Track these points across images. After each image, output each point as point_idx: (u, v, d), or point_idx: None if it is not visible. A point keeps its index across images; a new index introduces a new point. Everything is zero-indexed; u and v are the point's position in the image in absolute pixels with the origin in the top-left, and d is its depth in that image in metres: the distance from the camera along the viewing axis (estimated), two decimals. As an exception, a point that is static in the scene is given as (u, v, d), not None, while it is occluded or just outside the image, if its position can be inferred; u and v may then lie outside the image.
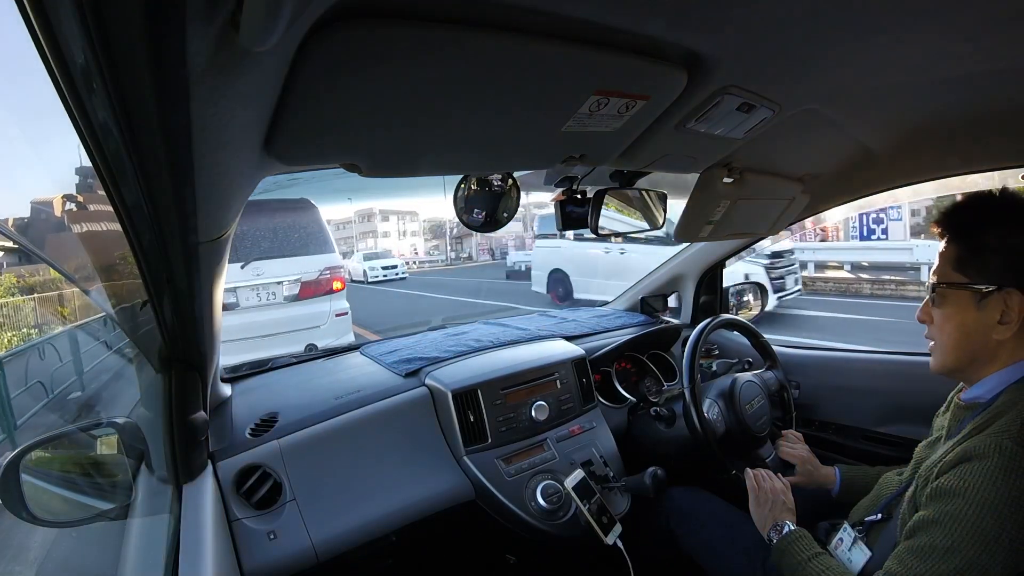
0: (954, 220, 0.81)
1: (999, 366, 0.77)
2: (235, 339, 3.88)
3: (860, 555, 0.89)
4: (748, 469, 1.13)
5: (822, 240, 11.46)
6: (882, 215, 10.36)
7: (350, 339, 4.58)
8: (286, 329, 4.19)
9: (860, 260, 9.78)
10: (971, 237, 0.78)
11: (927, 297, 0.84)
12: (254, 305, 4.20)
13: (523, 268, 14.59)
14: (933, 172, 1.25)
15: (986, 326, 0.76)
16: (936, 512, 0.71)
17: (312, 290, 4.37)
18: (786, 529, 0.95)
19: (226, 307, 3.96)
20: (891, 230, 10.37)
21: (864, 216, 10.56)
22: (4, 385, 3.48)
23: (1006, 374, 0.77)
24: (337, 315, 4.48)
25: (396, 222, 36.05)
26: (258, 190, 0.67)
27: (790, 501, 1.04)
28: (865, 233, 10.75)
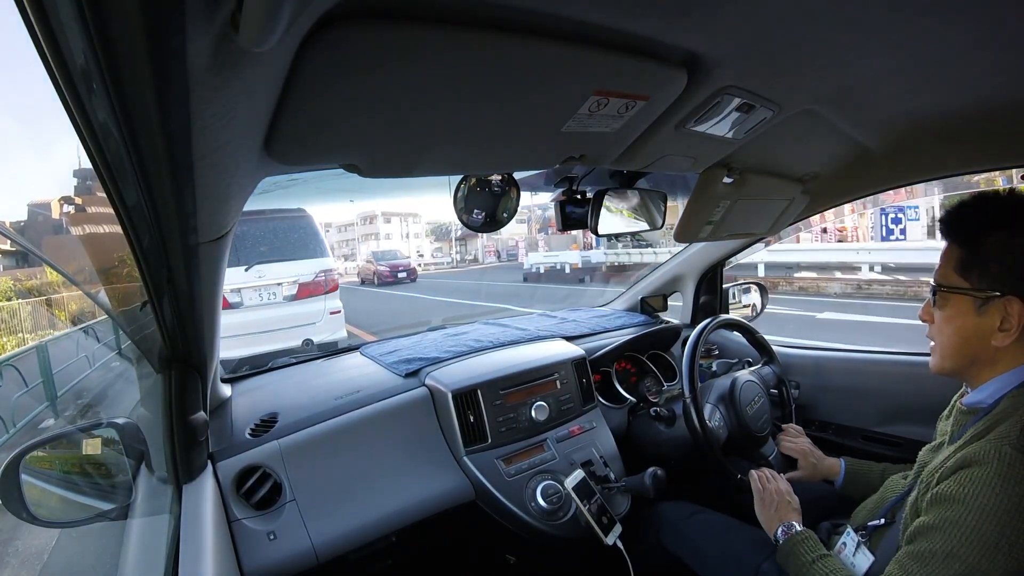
0: (956, 222, 0.79)
1: (1000, 370, 0.76)
2: (240, 335, 4.37)
3: (863, 560, 0.88)
4: (752, 471, 1.13)
5: (839, 240, 11.31)
6: (900, 215, 10.17)
7: (343, 335, 5.10)
8: (285, 326, 4.64)
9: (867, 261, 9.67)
10: (973, 240, 0.76)
11: (929, 297, 0.83)
12: (256, 304, 4.66)
13: (541, 270, 14.28)
14: (932, 172, 1.25)
15: (985, 332, 0.75)
16: (936, 518, 0.71)
17: (309, 290, 4.85)
18: (793, 530, 0.95)
19: (231, 306, 4.52)
20: (909, 230, 10.11)
21: (883, 216, 10.39)
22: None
23: (1007, 378, 0.76)
24: (331, 313, 4.96)
25: (399, 224, 36.04)
26: (258, 190, 0.67)
27: (795, 501, 1.04)
28: (884, 234, 10.48)
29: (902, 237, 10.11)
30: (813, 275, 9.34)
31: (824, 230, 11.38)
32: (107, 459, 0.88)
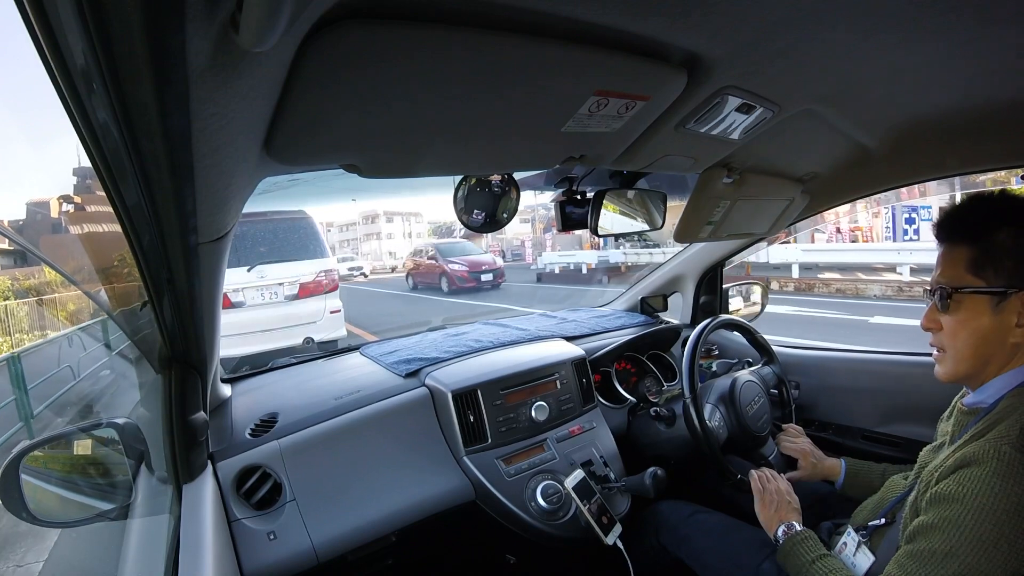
0: (960, 222, 0.78)
1: (1003, 370, 0.77)
2: (243, 333, 4.56)
3: (864, 560, 0.89)
4: (752, 471, 1.13)
5: (853, 241, 11.12)
6: (914, 215, 10.01)
7: (343, 333, 5.28)
8: (287, 324, 4.81)
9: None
10: (982, 238, 0.75)
11: (932, 303, 0.81)
12: (259, 303, 4.83)
13: (556, 271, 13.58)
14: (932, 172, 1.25)
15: (1003, 330, 0.74)
16: (935, 517, 0.71)
17: (310, 290, 5.01)
18: (794, 530, 0.95)
19: (234, 305, 4.67)
20: (923, 230, 9.88)
21: (897, 215, 10.26)
22: None
23: (1008, 378, 0.76)
24: (332, 312, 5.13)
25: (401, 223, 35.98)
26: (259, 190, 0.67)
27: (795, 501, 1.04)
28: (900, 234, 10.29)
29: (915, 237, 9.89)
30: (846, 276, 8.99)
31: (838, 230, 11.24)
32: (107, 459, 0.88)
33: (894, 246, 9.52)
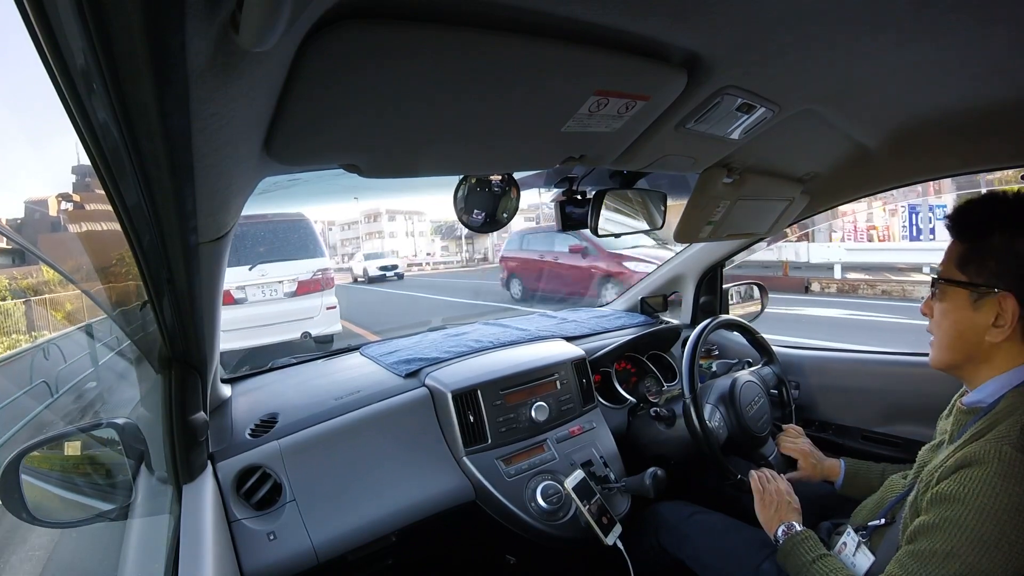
0: (963, 218, 0.81)
1: (997, 369, 0.77)
2: (245, 327, 4.84)
3: (864, 560, 0.89)
4: (752, 471, 1.13)
5: (869, 240, 10.97)
6: (929, 214, 9.81)
7: (338, 329, 5.64)
8: (286, 319, 5.12)
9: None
10: (976, 237, 0.78)
11: (931, 291, 0.85)
12: (260, 300, 5.15)
13: None
14: (932, 172, 1.25)
15: (980, 327, 0.76)
16: (936, 517, 0.71)
17: (307, 288, 5.35)
18: (793, 530, 0.95)
19: (237, 302, 4.97)
20: (938, 230, 9.56)
21: (913, 215, 9.98)
22: None
23: (1007, 378, 0.77)
24: (328, 308, 5.47)
25: (404, 222, 35.81)
26: (259, 191, 0.67)
27: (795, 501, 1.04)
28: (915, 233, 10.08)
29: (931, 236, 9.67)
30: (876, 277, 8.67)
31: (855, 228, 11.11)
32: (107, 459, 0.88)
33: (942, 246, 9.17)
